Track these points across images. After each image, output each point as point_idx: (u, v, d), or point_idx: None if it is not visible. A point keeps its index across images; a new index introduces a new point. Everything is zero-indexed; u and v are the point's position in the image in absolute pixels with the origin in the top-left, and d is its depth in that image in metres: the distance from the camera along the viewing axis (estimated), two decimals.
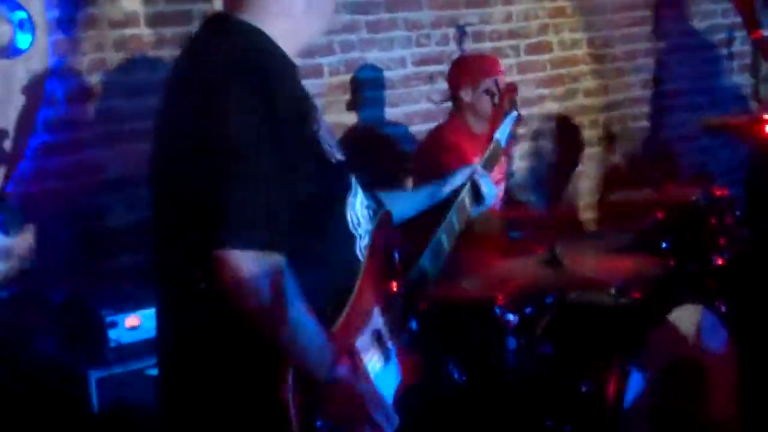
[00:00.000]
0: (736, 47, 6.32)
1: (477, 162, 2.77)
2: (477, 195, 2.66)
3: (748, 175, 5.53)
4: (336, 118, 4.66)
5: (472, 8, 5.12)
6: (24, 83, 3.70)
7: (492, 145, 2.83)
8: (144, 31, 4.06)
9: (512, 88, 2.96)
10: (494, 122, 2.87)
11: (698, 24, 6.14)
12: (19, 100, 3.69)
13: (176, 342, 2.15)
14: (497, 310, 3.52)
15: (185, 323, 2.11)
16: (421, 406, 3.48)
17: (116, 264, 3.95)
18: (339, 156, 2.20)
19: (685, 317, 3.55)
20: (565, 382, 3.43)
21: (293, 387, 1.98)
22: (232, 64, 2.02)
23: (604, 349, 3.45)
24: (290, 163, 2.01)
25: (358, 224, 2.21)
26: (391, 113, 4.89)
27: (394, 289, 2.31)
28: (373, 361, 2.20)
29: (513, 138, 2.89)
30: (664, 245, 3.83)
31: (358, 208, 2.22)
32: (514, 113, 2.92)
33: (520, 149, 5.36)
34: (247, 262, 1.92)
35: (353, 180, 2.24)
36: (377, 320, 2.23)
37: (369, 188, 2.33)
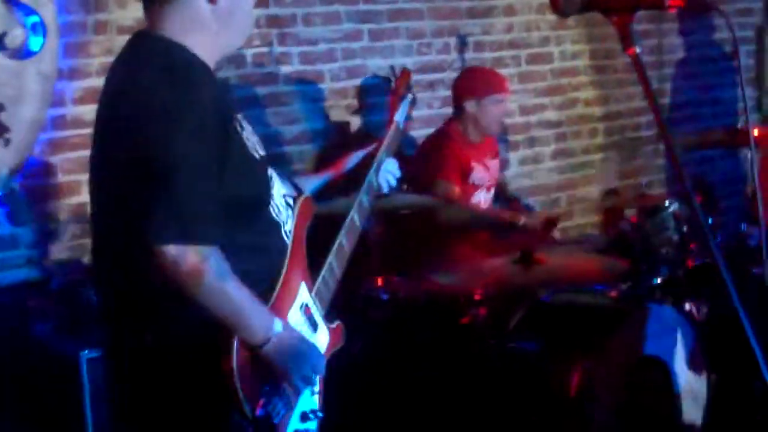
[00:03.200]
0: (741, 61, 6.43)
1: (381, 146, 2.96)
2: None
3: None
4: (337, 121, 4.87)
5: (474, 18, 5.29)
6: (35, 83, 3.90)
7: (392, 129, 3.02)
8: None
9: (406, 72, 3.14)
10: (393, 106, 3.05)
11: (702, 37, 6.26)
12: (29, 99, 3.88)
13: (128, 328, 2.34)
14: (471, 305, 3.70)
15: (135, 311, 2.31)
16: (393, 397, 3.67)
17: None
18: (261, 152, 2.42)
19: (654, 318, 3.70)
20: (533, 377, 3.59)
21: (237, 356, 2.22)
22: (160, 76, 2.23)
23: (572, 345, 3.61)
24: (220, 162, 2.24)
25: (279, 212, 2.45)
26: None
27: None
28: (302, 331, 2.45)
29: (409, 119, 3.08)
30: (636, 248, 3.97)
31: (277, 198, 2.46)
32: (410, 96, 3.10)
33: (518, 156, 5.54)
34: (185, 254, 2.14)
35: (272, 172, 2.48)
36: (304, 294, 2.49)
37: (286, 177, 2.55)
